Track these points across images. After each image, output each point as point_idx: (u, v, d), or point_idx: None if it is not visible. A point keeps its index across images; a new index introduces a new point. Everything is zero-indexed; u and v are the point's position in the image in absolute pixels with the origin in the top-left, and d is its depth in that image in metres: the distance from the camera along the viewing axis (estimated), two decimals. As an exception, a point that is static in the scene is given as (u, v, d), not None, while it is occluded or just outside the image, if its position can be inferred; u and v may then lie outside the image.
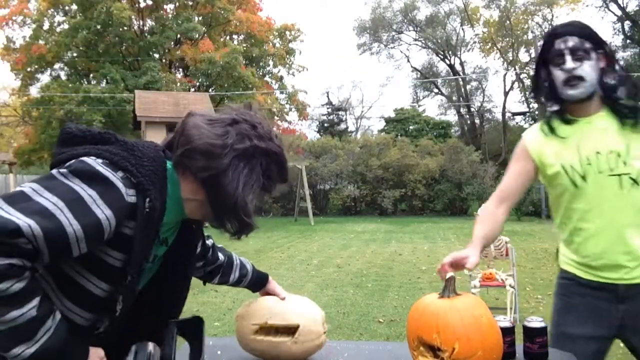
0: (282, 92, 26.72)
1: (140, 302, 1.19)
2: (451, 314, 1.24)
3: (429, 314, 1.26)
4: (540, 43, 1.68)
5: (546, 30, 29.55)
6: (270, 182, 1.13)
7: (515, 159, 1.74)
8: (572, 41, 1.56)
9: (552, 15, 29.44)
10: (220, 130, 1.05)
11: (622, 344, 1.70)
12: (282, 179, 1.16)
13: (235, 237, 1.12)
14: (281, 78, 27.46)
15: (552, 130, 1.67)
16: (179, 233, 1.23)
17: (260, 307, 1.51)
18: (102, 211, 0.93)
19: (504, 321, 1.40)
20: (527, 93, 31.25)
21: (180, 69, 25.73)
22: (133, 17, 23.15)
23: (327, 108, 33.71)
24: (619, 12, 25.93)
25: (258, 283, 1.60)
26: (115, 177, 0.97)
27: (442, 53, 34.04)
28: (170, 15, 24.63)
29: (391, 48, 35.33)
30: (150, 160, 1.04)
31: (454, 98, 34.99)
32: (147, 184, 1.00)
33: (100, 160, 0.98)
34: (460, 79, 33.45)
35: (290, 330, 1.45)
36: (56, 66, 24.40)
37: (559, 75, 1.59)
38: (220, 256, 1.51)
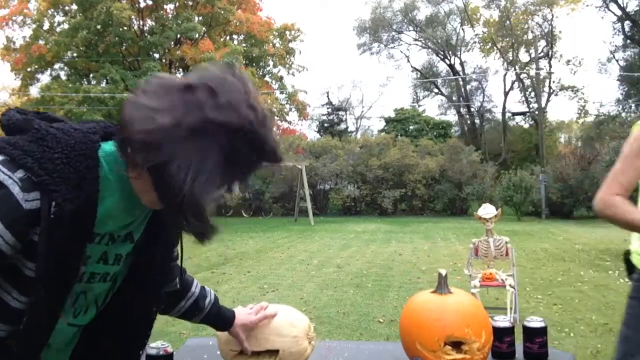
0: (282, 92, 26.71)
1: (107, 315, 1.05)
2: (470, 306, 1.29)
3: (453, 312, 1.27)
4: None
5: (546, 30, 29.65)
6: (238, 168, 0.85)
7: None
8: None
9: (552, 15, 29.49)
10: (162, 103, 0.80)
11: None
12: (260, 159, 0.86)
13: (198, 240, 0.88)
14: (281, 78, 27.46)
15: None
16: (150, 228, 1.02)
17: None
18: None
19: (504, 321, 1.40)
20: (527, 93, 31.24)
21: (180, 69, 25.72)
22: (133, 17, 23.14)
23: (327, 108, 33.77)
24: (619, 12, 25.94)
25: (218, 323, 1.32)
26: (12, 180, 0.80)
27: (442, 53, 34.07)
28: (170, 15, 24.64)
29: (391, 48, 35.45)
30: (67, 149, 0.83)
31: (454, 98, 35.02)
32: (54, 183, 0.81)
33: (0, 158, 0.81)
34: (460, 79, 33.47)
35: (272, 352, 1.36)
36: (56, 66, 24.39)
37: None
38: (177, 279, 1.21)
